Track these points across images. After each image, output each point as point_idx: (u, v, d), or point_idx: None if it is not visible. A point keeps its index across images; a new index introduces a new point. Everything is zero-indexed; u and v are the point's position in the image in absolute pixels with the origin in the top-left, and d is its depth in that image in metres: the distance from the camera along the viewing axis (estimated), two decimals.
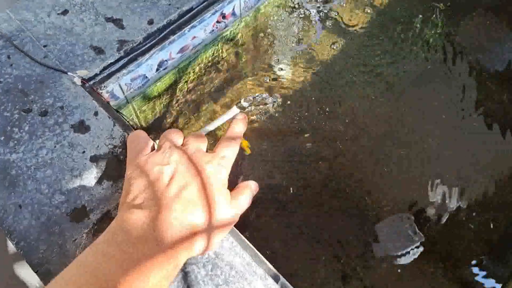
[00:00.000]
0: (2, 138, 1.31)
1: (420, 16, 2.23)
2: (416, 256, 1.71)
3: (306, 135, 1.85)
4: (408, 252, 1.71)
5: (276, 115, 1.86)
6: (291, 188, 1.74)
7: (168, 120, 1.81)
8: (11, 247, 1.66)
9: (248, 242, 1.23)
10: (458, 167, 1.88)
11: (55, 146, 1.30)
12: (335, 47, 2.04)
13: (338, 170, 1.84)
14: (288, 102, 1.88)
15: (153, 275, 0.62)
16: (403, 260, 1.69)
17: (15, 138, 1.31)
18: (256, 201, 1.72)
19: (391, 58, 2.09)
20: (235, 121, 1.07)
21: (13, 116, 1.34)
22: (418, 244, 1.71)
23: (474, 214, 1.80)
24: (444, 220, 1.78)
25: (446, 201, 1.82)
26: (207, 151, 1.01)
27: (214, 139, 1.77)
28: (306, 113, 1.88)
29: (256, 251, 1.22)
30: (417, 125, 1.98)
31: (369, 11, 2.18)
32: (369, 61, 2.07)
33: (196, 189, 0.85)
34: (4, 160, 1.27)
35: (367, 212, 1.76)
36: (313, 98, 1.92)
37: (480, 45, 2.24)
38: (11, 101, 1.36)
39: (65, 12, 1.54)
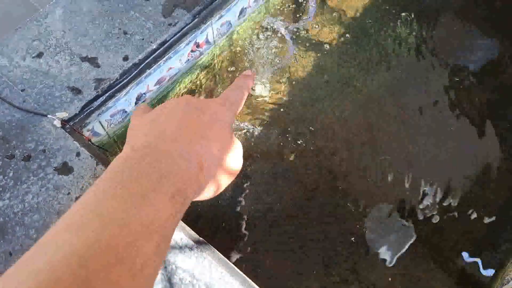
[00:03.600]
0: None
1: (391, 25, 2.29)
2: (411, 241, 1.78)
3: (291, 154, 1.89)
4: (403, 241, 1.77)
5: (258, 136, 1.89)
6: (278, 204, 1.78)
7: None
8: None
9: (237, 269, 1.25)
10: (439, 170, 1.94)
11: (40, 190, 1.32)
12: (310, 64, 2.09)
13: (323, 183, 1.87)
14: (269, 121, 1.92)
15: (161, 211, 0.58)
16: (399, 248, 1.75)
17: (0, 186, 1.33)
18: (245, 222, 1.75)
19: (366, 70, 2.14)
20: (242, 75, 1.00)
21: None
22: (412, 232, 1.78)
23: (458, 212, 1.86)
24: (431, 219, 1.83)
25: (430, 203, 1.87)
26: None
27: None
28: (288, 130, 1.92)
29: (246, 277, 1.24)
30: (397, 132, 2.03)
31: (339, 26, 2.23)
32: (344, 74, 2.12)
33: (206, 121, 0.76)
34: None
35: (354, 221, 1.80)
36: (293, 115, 1.96)
37: (452, 49, 2.31)
38: None
39: (40, 54, 1.56)
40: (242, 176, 1.83)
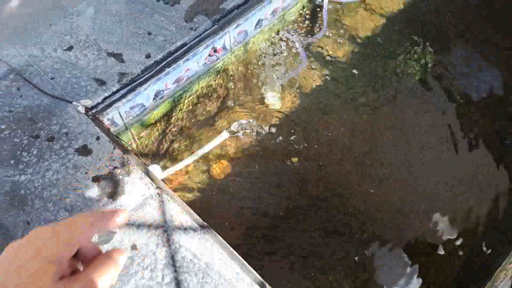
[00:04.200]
0: (12, 161, 1.44)
1: (402, 47, 2.39)
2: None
3: (294, 160, 1.98)
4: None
5: (265, 140, 1.99)
6: (279, 212, 1.85)
7: (164, 145, 1.94)
8: None
9: (235, 253, 1.34)
10: (439, 189, 1.99)
11: (60, 168, 1.43)
12: (320, 76, 2.20)
13: (324, 191, 1.95)
14: (276, 128, 2.02)
15: None
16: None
17: (24, 161, 1.44)
18: (246, 224, 1.83)
19: (373, 87, 2.24)
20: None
21: (22, 142, 1.48)
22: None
23: (461, 238, 1.88)
24: (431, 243, 1.87)
25: (431, 225, 1.90)
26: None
27: (206, 161, 1.91)
28: (293, 138, 2.01)
29: (244, 262, 1.32)
30: (400, 149, 2.10)
31: (351, 44, 2.35)
32: (352, 89, 2.21)
33: None
34: (14, 181, 1.40)
35: (353, 233, 1.85)
36: (299, 124, 2.05)
37: (460, 73, 2.39)
38: (20, 128, 1.50)
39: (70, 48, 1.70)
40: (246, 172, 1.92)
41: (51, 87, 1.61)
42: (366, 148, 2.05)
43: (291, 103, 2.12)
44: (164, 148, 1.94)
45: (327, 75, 2.22)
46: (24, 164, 1.46)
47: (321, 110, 2.13)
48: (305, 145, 2.01)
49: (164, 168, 1.89)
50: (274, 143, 1.99)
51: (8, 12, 2.22)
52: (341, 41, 2.33)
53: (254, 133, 1.97)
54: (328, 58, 2.27)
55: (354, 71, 2.27)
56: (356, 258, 1.82)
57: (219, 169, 1.92)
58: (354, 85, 2.24)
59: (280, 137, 2.01)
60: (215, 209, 1.84)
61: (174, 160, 1.92)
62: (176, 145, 1.94)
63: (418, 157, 2.06)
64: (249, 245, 1.79)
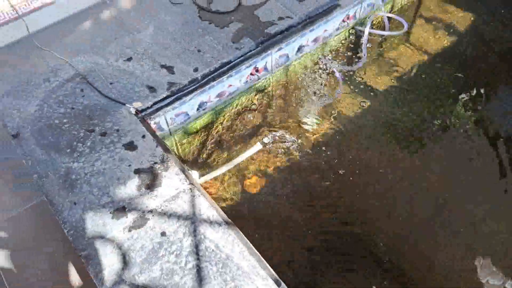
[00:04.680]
0: (69, 150, 1.64)
1: (444, 85, 2.42)
2: None
3: (326, 183, 2.04)
4: None
5: (299, 158, 2.09)
6: (308, 231, 1.91)
7: (203, 154, 2.10)
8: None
9: (254, 249, 1.43)
10: (491, 236, 1.93)
11: (108, 159, 1.62)
12: (356, 104, 2.29)
13: (354, 216, 1.97)
14: (310, 148, 2.12)
15: None
16: None
17: (79, 151, 1.64)
18: (274, 238, 1.90)
19: (410, 120, 2.26)
20: None
21: (79, 134, 1.69)
22: None
23: None
24: None
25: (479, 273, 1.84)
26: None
27: (238, 170, 2.04)
28: (326, 160, 2.08)
29: (261, 257, 1.41)
30: (442, 187, 2.05)
31: (391, 76, 2.43)
32: (387, 120, 2.27)
33: None
34: (68, 167, 1.59)
35: (382, 257, 1.86)
36: (334, 147, 2.13)
37: (505, 114, 2.34)
38: (79, 123, 1.72)
39: (129, 59, 1.93)
40: (278, 188, 2.02)
41: (109, 90, 1.83)
42: (405, 184, 2.06)
43: (326, 126, 2.21)
44: (203, 156, 2.09)
45: (364, 103, 2.30)
46: (78, 154, 1.66)
47: (356, 136, 2.20)
48: (338, 168, 2.08)
49: (202, 175, 2.03)
50: (307, 162, 2.08)
51: (81, 29, 2.54)
52: (381, 73, 2.42)
53: (287, 147, 2.08)
54: (366, 87, 2.36)
55: (391, 103, 2.33)
56: None
57: (252, 183, 2.04)
58: (390, 116, 2.29)
59: (314, 157, 2.10)
60: (243, 221, 1.92)
61: (211, 168, 2.06)
62: (213, 154, 2.09)
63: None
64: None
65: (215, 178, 2.04)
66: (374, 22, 2.45)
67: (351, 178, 2.06)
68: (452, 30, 2.65)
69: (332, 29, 2.24)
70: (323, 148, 2.13)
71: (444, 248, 1.89)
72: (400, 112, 2.31)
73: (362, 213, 1.98)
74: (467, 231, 1.93)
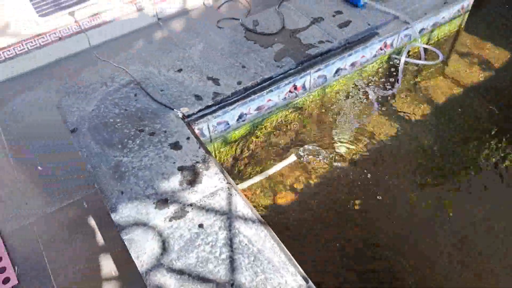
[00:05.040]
0: (120, 146, 1.80)
1: (478, 120, 2.46)
2: None
3: (356, 202, 2.11)
4: None
5: (330, 176, 2.18)
6: (332, 247, 1.96)
7: (239, 163, 2.22)
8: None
9: (285, 248, 1.52)
10: None
11: (155, 156, 1.77)
12: (389, 130, 2.37)
13: (380, 239, 2.01)
14: (343, 168, 2.20)
15: None
16: None
17: (129, 147, 1.80)
18: (305, 252, 1.97)
19: (443, 151, 2.29)
20: None
21: (130, 133, 1.85)
22: None
23: None
24: None
25: None
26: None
27: (271, 181, 2.14)
28: (357, 181, 2.15)
29: (291, 256, 1.50)
30: (463, 223, 2.08)
31: (425, 105, 2.51)
32: (419, 148, 2.31)
33: None
34: (118, 161, 1.75)
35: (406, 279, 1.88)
36: (365, 169, 2.20)
37: None
38: (131, 123, 1.88)
39: (179, 70, 2.11)
40: (308, 204, 2.10)
41: (160, 96, 2.00)
42: (443, 218, 2.07)
43: (359, 148, 2.30)
44: (238, 165, 2.21)
45: (395, 128, 2.38)
46: (128, 149, 1.81)
47: (388, 160, 2.27)
48: (369, 190, 2.14)
49: (236, 184, 2.15)
50: (339, 180, 2.16)
51: (137, 44, 2.78)
52: (415, 101, 2.50)
53: (321, 163, 2.18)
54: (400, 114, 2.44)
55: (424, 132, 2.39)
56: None
57: (283, 195, 2.13)
58: (422, 145, 2.34)
59: (345, 176, 2.18)
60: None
61: (244, 178, 2.17)
62: (248, 165, 2.21)
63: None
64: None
65: (248, 188, 2.15)
66: (410, 51, 2.56)
67: (380, 200, 2.12)
68: (487, 65, 2.72)
69: (369, 55, 2.37)
70: (355, 168, 2.20)
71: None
72: (432, 141, 2.37)
73: (386, 237, 2.02)
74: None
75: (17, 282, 1.82)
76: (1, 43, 2.64)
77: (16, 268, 1.87)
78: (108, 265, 1.86)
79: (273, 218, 2.04)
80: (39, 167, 2.23)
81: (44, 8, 2.81)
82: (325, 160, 2.19)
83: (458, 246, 1.97)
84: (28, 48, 2.68)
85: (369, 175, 2.18)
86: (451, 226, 2.03)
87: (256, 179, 2.14)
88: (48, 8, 2.80)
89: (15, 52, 2.65)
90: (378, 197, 2.11)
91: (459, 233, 2.01)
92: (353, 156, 2.25)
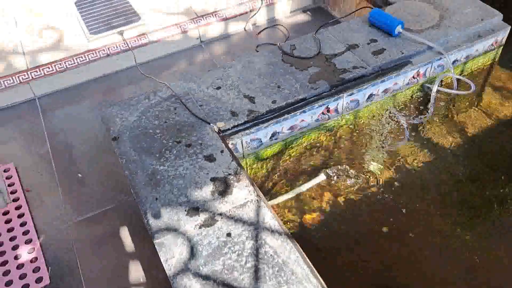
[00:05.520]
0: (157, 155, 1.90)
1: (508, 150, 2.45)
2: None
3: (383, 228, 2.12)
4: None
5: (358, 198, 2.20)
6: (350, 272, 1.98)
7: (269, 180, 2.28)
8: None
9: (307, 259, 1.55)
10: None
11: (189, 166, 1.85)
12: (421, 158, 2.37)
13: (400, 272, 2.01)
14: (371, 193, 2.21)
15: None
16: None
17: (166, 157, 1.90)
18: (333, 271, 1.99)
19: (472, 183, 2.28)
20: None
21: (168, 143, 1.95)
22: None
23: None
24: None
25: None
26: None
27: (301, 199, 2.18)
28: (385, 206, 2.16)
29: (313, 268, 1.53)
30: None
31: (456, 136, 2.50)
32: (448, 180, 2.30)
33: None
34: (155, 169, 1.85)
35: None
36: (394, 195, 2.21)
37: None
38: (169, 134, 1.99)
39: (218, 88, 2.22)
40: (335, 227, 2.12)
41: (198, 111, 2.11)
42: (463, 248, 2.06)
43: (389, 173, 2.31)
44: (268, 183, 2.27)
45: (426, 157, 2.38)
46: (165, 159, 1.91)
47: (417, 190, 2.27)
48: (396, 215, 2.15)
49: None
50: (367, 203, 2.18)
51: (180, 63, 2.93)
52: (446, 131, 2.51)
53: (350, 185, 2.21)
54: (431, 143, 2.45)
55: (454, 162, 2.38)
56: None
57: (311, 218, 2.16)
58: (452, 175, 2.33)
59: (373, 200, 2.20)
60: None
61: (273, 195, 2.22)
62: (278, 183, 2.26)
63: None
64: None
65: (277, 205, 2.19)
66: (443, 81, 2.58)
67: (405, 225, 2.12)
68: None
69: (402, 83, 2.41)
70: (383, 192, 2.22)
71: None
72: (461, 171, 2.36)
73: (405, 268, 2.01)
74: None
75: (48, 282, 1.91)
76: (54, 57, 2.85)
77: (49, 268, 1.97)
78: (137, 272, 1.94)
79: (299, 234, 2.07)
80: (79, 174, 2.37)
81: (96, 26, 3.03)
82: (354, 182, 2.22)
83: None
84: (77, 62, 2.87)
85: (396, 200, 2.19)
86: (468, 257, 2.00)
87: (285, 197, 2.18)
88: (100, 27, 3.01)
89: (66, 66, 2.85)
90: (405, 221, 2.11)
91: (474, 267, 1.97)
92: (382, 180, 2.26)
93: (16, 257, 1.97)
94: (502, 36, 2.66)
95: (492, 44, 2.65)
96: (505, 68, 2.89)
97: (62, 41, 2.96)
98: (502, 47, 2.76)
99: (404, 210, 2.16)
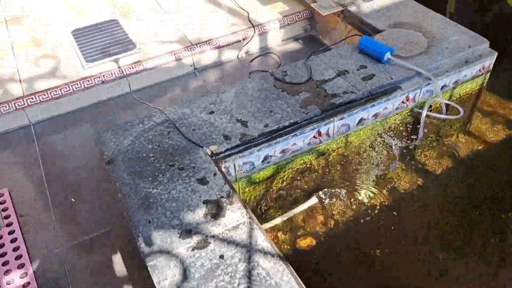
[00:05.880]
0: (151, 178, 1.92)
1: (500, 174, 2.48)
2: None
3: (376, 251, 2.12)
4: None
5: (350, 220, 2.21)
6: None
7: (262, 204, 2.29)
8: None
9: (300, 281, 1.55)
10: None
11: (182, 189, 1.87)
12: (412, 182, 2.39)
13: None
14: (364, 214, 2.23)
15: None
16: None
17: (159, 180, 1.91)
18: None
19: (464, 212, 2.30)
20: None
21: (161, 167, 1.97)
22: None
23: None
24: None
25: None
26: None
27: (293, 222, 2.19)
28: (378, 228, 2.17)
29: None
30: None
31: (447, 161, 2.54)
32: (440, 203, 2.33)
33: None
34: (148, 192, 1.86)
35: None
36: (384, 218, 2.22)
37: None
38: (162, 158, 2.01)
39: (211, 112, 2.26)
40: (328, 252, 2.12)
41: (191, 135, 2.14)
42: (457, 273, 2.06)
43: (381, 196, 2.33)
44: (260, 206, 2.28)
45: (416, 181, 2.41)
46: (158, 182, 1.93)
47: (409, 213, 2.29)
48: (389, 238, 2.16)
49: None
50: (359, 226, 2.19)
51: (174, 89, 2.98)
52: (437, 155, 2.54)
53: (342, 209, 2.22)
54: (422, 167, 2.48)
55: (446, 187, 2.41)
56: None
57: (303, 241, 2.17)
58: (443, 200, 2.36)
59: (366, 223, 2.21)
60: None
61: (266, 219, 2.23)
62: (270, 206, 2.27)
63: None
64: None
65: (270, 228, 2.20)
66: (432, 106, 2.65)
67: (399, 248, 2.12)
68: (511, 124, 2.76)
69: (391, 107, 2.47)
70: (376, 215, 2.23)
71: None
72: (451, 193, 2.38)
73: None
74: None
75: None
76: (50, 84, 2.89)
77: None
78: None
79: (291, 256, 2.07)
80: (72, 199, 2.37)
81: (92, 54, 3.09)
82: (346, 205, 2.24)
83: None
84: (73, 89, 2.91)
85: (388, 223, 2.20)
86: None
87: (278, 220, 2.19)
88: (96, 55, 3.07)
89: (61, 92, 2.89)
90: (397, 244, 2.12)
91: None
92: (374, 203, 2.28)
93: (8, 283, 1.94)
94: (490, 62, 2.75)
95: (479, 70, 2.73)
96: (493, 93, 2.96)
97: (59, 69, 3.01)
98: (489, 72, 2.84)
99: (396, 233, 2.17)
